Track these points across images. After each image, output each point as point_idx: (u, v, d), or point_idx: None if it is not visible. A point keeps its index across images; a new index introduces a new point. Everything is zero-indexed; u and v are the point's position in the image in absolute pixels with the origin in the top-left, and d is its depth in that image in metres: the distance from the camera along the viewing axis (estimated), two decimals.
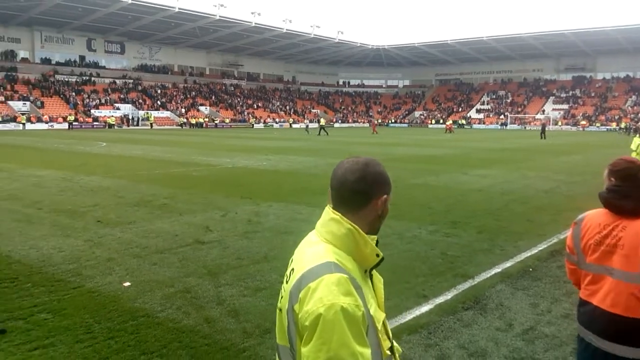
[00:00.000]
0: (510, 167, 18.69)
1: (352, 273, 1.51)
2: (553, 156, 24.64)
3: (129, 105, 71.06)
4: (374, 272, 1.66)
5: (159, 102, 75.50)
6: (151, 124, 66.14)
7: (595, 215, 2.66)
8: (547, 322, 4.85)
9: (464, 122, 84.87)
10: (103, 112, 66.53)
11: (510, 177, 15.94)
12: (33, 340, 4.34)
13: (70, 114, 62.16)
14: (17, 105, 61.49)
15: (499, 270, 6.45)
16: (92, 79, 73.78)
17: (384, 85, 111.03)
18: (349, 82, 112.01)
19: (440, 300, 5.38)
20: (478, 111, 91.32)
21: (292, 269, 1.59)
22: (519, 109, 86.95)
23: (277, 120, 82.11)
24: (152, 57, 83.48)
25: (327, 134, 48.45)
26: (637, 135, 13.99)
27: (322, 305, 1.41)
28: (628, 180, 2.54)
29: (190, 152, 24.90)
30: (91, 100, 68.82)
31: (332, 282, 1.44)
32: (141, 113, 69.65)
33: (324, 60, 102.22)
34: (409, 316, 4.93)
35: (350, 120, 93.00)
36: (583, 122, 75.28)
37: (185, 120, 71.28)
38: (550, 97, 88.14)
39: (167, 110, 74.65)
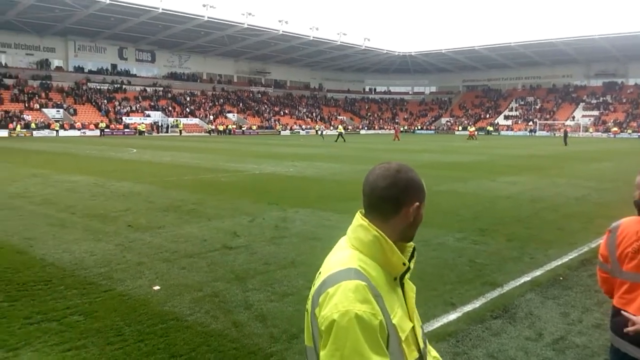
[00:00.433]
0: (540, 174, 18.38)
1: (376, 281, 1.50)
2: (583, 163, 24.16)
3: (159, 113, 72.28)
4: (406, 280, 1.64)
5: (187, 110, 76.63)
6: (180, 130, 67.12)
7: (632, 223, 2.62)
8: (578, 332, 4.76)
9: (491, 128, 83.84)
10: (134, 119, 67.80)
11: (540, 184, 15.68)
12: (66, 342, 4.44)
13: (101, 121, 63.54)
14: (51, 113, 63.15)
15: (528, 278, 6.35)
16: (124, 86, 75.36)
17: (410, 92, 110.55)
18: (375, 89, 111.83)
19: (468, 308, 5.33)
20: (506, 118, 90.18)
21: (319, 273, 1.60)
22: (548, 116, 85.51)
23: (303, 127, 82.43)
24: (182, 65, 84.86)
25: (345, 140, 48.43)
26: None
27: (336, 311, 1.42)
28: None
29: (218, 159, 25.18)
30: (122, 107, 70.24)
31: (350, 289, 1.44)
32: (170, 120, 70.77)
33: (350, 67, 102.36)
34: (436, 324, 4.89)
35: (376, 127, 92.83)
36: (614, 129, 73.63)
37: (213, 127, 72.15)
38: (580, 104, 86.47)
39: (196, 117, 75.68)
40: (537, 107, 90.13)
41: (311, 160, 25.01)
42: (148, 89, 77.76)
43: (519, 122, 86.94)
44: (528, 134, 78.50)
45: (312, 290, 1.59)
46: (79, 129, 61.06)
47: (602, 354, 4.24)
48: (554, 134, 75.11)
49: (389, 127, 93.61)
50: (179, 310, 5.17)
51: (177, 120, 70.34)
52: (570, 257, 7.38)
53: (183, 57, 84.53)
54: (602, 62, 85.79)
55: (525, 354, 4.32)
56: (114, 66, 77.44)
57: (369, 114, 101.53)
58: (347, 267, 1.51)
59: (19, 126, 56.74)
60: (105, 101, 70.18)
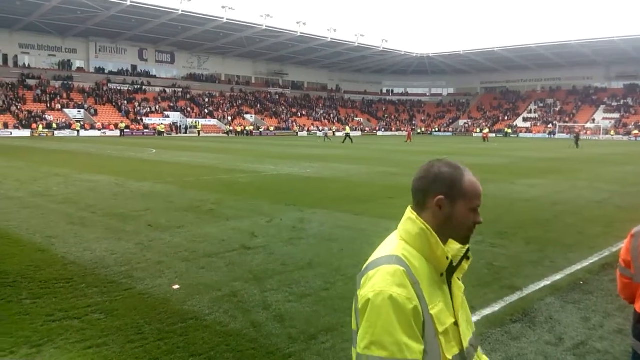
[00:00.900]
0: (560, 177, 18.16)
1: (418, 271, 1.56)
2: (604, 166, 23.81)
3: (178, 114, 72.96)
4: (455, 279, 1.68)
5: (206, 111, 77.22)
6: (199, 131, 67.67)
7: None
8: (599, 337, 4.70)
9: (509, 131, 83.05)
10: (153, 120, 68.54)
11: (560, 187, 15.50)
12: (87, 339, 4.49)
13: (122, 122, 64.33)
14: (72, 113, 64.13)
15: (548, 282, 6.28)
16: (143, 87, 76.26)
17: (428, 94, 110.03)
18: (392, 91, 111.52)
19: (487, 311, 5.29)
20: (525, 120, 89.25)
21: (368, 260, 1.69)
22: (568, 118, 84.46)
23: (320, 128, 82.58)
24: (201, 67, 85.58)
25: (352, 141, 48.25)
26: None
27: (372, 291, 1.50)
28: None
29: (236, 159, 25.33)
30: (142, 108, 71.05)
31: (388, 272, 1.52)
32: (189, 121, 71.39)
33: (367, 68, 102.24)
34: None
35: (393, 129, 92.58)
36: (635, 132, 72.44)
37: (231, 128, 72.58)
38: (601, 106, 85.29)
39: (214, 118, 76.23)
40: (557, 109, 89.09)
41: (328, 161, 25.02)
42: (167, 90, 78.55)
43: (538, 124, 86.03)
44: (547, 136, 77.62)
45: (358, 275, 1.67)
46: (100, 129, 61.90)
47: (623, 359, 4.18)
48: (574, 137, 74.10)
49: (406, 128, 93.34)
50: (198, 310, 5.21)
51: (195, 121, 70.94)
52: (591, 261, 7.29)
53: (202, 59, 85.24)
54: (623, 64, 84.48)
55: (545, 358, 4.28)
56: (134, 67, 78.42)
57: (386, 115, 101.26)
58: (390, 254, 1.59)
59: (41, 126, 57.68)
60: (126, 102, 71.07)
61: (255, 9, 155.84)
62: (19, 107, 60.84)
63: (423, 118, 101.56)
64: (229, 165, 22.15)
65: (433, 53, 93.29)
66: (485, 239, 8.48)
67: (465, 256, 1.68)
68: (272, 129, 77.04)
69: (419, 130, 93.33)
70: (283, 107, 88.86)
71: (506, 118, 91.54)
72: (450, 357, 1.57)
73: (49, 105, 63.87)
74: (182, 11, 62.37)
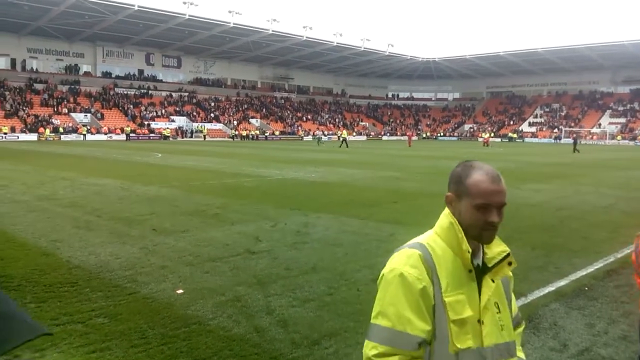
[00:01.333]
0: (565, 182, 18.09)
1: (440, 259, 1.67)
2: (609, 171, 23.70)
3: (184, 118, 73.21)
4: (487, 279, 1.72)
5: (212, 115, 77.44)
6: (204, 135, 67.85)
7: None
8: (603, 344, 4.67)
9: (515, 135, 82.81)
10: (159, 124, 68.79)
11: (565, 192, 15.44)
12: (91, 344, 4.49)
13: (127, 126, 64.58)
14: (79, 117, 64.45)
15: (553, 288, 6.25)
16: (150, 92, 76.57)
17: (433, 98, 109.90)
18: (398, 95, 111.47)
19: None
20: (531, 124, 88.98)
21: None
22: (574, 123, 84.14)
23: (325, 132, 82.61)
24: (207, 71, 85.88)
25: (347, 146, 48.17)
26: None
27: (387, 268, 1.70)
28: None
29: (241, 164, 25.38)
30: (148, 112, 71.32)
31: (405, 254, 1.69)
32: (195, 125, 71.59)
33: (373, 73, 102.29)
34: None
35: (398, 133, 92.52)
36: None
37: (236, 132, 72.76)
38: (607, 111, 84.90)
39: (220, 122, 76.43)
40: (563, 114, 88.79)
41: (333, 166, 25.04)
42: (174, 94, 78.84)
43: (544, 129, 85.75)
44: (553, 141, 77.31)
45: None
46: (106, 134, 62.15)
47: None
48: (580, 142, 73.77)
49: (411, 133, 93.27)
50: (202, 314, 5.22)
51: (201, 126, 71.15)
52: (596, 267, 7.25)
53: (208, 63, 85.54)
54: (630, 69, 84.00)
55: None
56: (140, 71, 78.81)
57: (391, 120, 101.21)
58: (416, 242, 1.74)
59: (47, 130, 57.98)
60: (132, 106, 71.35)
61: (262, 14, 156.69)
62: (26, 111, 61.20)
63: (428, 122, 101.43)
64: (235, 169, 22.20)
65: (439, 57, 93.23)
66: None
67: (506, 261, 1.73)
68: (277, 133, 77.14)
69: (424, 135, 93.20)
70: (288, 112, 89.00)
71: (512, 123, 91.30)
72: (462, 347, 1.62)
73: (56, 109, 64.23)
74: (189, 16, 62.65)
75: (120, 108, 70.49)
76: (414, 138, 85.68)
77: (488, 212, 1.65)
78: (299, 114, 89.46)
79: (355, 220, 10.45)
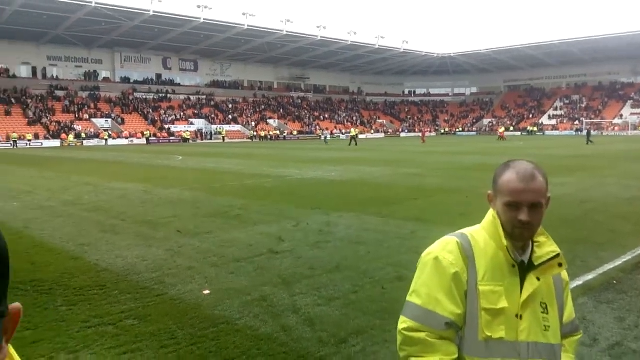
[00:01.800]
0: (588, 175, 17.85)
1: (480, 250, 1.74)
2: (633, 163, 23.29)
3: (203, 120, 73.83)
4: (533, 278, 1.74)
5: (230, 117, 77.96)
6: (223, 137, 68.34)
7: None
8: (634, 338, 4.62)
9: (535, 129, 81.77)
10: (179, 127, 69.48)
11: (589, 185, 15.23)
12: (122, 345, 4.57)
13: (147, 130, 65.34)
14: (100, 122, 65.41)
15: (580, 282, 6.18)
16: (168, 95, 77.39)
17: (450, 94, 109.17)
18: (414, 92, 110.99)
19: None
20: (551, 117, 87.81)
21: None
22: (594, 115, 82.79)
23: (343, 131, 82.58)
24: (224, 74, 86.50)
25: (357, 144, 47.85)
26: None
27: (425, 252, 1.81)
28: None
29: (260, 164, 25.50)
30: (167, 116, 72.06)
31: (445, 241, 1.79)
32: (214, 127, 72.14)
33: (389, 70, 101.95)
34: None
35: (416, 130, 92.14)
36: None
37: (255, 133, 73.11)
38: (628, 101, 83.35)
39: (238, 124, 76.89)
40: (583, 105, 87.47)
41: (351, 164, 25.02)
42: (192, 97, 79.57)
43: (564, 121, 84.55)
44: (574, 133, 76.18)
45: None
46: (127, 138, 62.94)
47: None
48: (602, 133, 72.67)
49: (429, 129, 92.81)
50: (229, 314, 5.28)
51: (220, 128, 71.66)
52: (624, 259, 7.15)
53: (224, 66, 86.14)
54: None
55: (580, 359, 4.22)
56: (158, 76, 79.67)
57: (408, 116, 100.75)
58: (459, 232, 1.83)
59: (70, 136, 58.91)
60: (151, 110, 72.16)
61: (276, 15, 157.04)
62: (48, 118, 62.28)
63: (446, 118, 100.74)
64: (254, 170, 22.31)
65: (455, 53, 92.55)
66: None
67: (555, 262, 1.75)
68: (295, 133, 77.30)
69: (442, 131, 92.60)
70: (306, 111, 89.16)
71: (531, 116, 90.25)
72: (493, 336, 1.67)
73: (77, 115, 65.25)
74: (204, 19, 63.17)
75: (140, 112, 71.34)
76: (432, 134, 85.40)
77: (518, 210, 1.68)
78: (316, 114, 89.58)
79: (377, 218, 10.45)
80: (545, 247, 1.76)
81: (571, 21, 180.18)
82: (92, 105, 68.56)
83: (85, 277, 6.68)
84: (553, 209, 10.14)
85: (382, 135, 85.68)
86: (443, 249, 1.75)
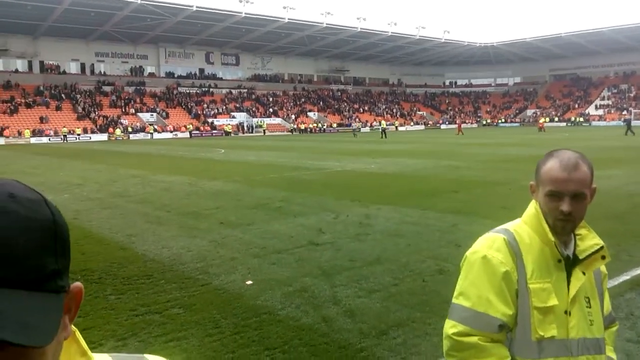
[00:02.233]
0: (637, 167, 17.22)
1: (527, 246, 1.67)
2: None
3: (244, 114, 74.68)
4: (579, 272, 1.70)
5: (270, 110, 78.56)
6: (264, 130, 68.97)
7: None
8: None
9: (581, 119, 79.09)
10: (221, 121, 70.48)
11: (638, 178, 14.69)
12: (168, 333, 4.73)
13: (190, 124, 66.61)
14: (146, 117, 67.03)
15: (627, 277, 6.02)
16: (211, 89, 78.59)
17: (492, 84, 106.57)
18: (455, 82, 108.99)
19: None
20: (597, 107, 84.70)
21: None
22: None
23: (371, 123, 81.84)
24: (264, 67, 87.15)
25: (386, 137, 47.21)
26: None
27: (471, 250, 1.73)
28: None
29: (300, 157, 25.66)
30: (210, 109, 73.24)
31: (490, 238, 1.72)
32: (255, 120, 72.87)
33: (429, 61, 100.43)
34: None
35: (457, 122, 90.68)
36: None
37: (295, 126, 73.49)
38: None
39: (278, 117, 77.42)
40: (632, 95, 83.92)
41: (391, 156, 24.87)
42: (233, 91, 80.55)
43: (612, 111, 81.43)
44: (622, 124, 73.25)
45: None
46: (171, 132, 64.27)
47: None
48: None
49: (471, 121, 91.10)
50: (271, 305, 5.38)
51: (261, 121, 72.35)
52: None
53: (265, 59, 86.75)
54: None
55: (626, 356, 4.12)
56: (201, 70, 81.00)
57: (449, 108, 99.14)
58: (502, 228, 1.76)
59: (117, 130, 60.64)
60: (194, 104, 73.48)
61: (316, 7, 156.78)
62: (96, 113, 64.26)
63: (488, 109, 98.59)
64: (294, 162, 22.47)
65: (497, 42, 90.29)
66: None
67: (599, 254, 1.71)
68: (334, 125, 77.26)
69: (484, 122, 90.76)
70: (345, 104, 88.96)
71: (577, 106, 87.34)
72: (545, 335, 1.61)
73: (123, 109, 67.07)
74: (245, 14, 63.74)
75: (184, 106, 72.74)
76: (474, 125, 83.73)
77: (560, 200, 1.61)
78: (356, 106, 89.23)
79: (416, 211, 10.40)
80: (588, 239, 1.72)
81: (619, 7, 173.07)
82: (138, 100, 70.32)
83: (133, 266, 6.92)
84: (600, 202, 9.86)
85: (422, 127, 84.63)
86: (490, 247, 1.67)
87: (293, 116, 78.20)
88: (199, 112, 71.85)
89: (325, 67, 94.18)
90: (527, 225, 1.71)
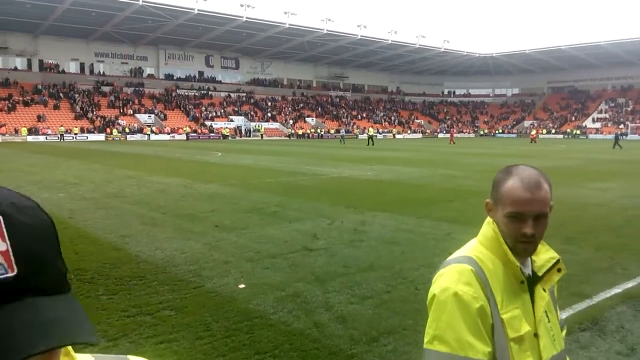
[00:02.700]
0: (632, 180, 17.25)
1: (492, 273, 1.52)
2: None
3: (242, 117, 74.75)
4: (538, 288, 1.60)
5: (269, 114, 78.68)
6: (261, 134, 69.01)
7: None
8: None
9: (577, 132, 79.41)
10: (219, 124, 70.52)
11: (634, 191, 14.73)
12: (159, 335, 4.71)
13: (187, 126, 66.61)
14: (143, 118, 67.03)
15: (619, 290, 6.04)
16: (210, 92, 78.67)
17: (491, 95, 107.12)
18: (454, 92, 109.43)
19: None
20: (595, 120, 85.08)
21: None
22: None
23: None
24: (264, 72, 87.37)
25: (374, 144, 47.31)
26: None
27: (438, 287, 1.52)
28: None
29: (297, 162, 25.66)
30: (208, 112, 73.28)
31: (456, 270, 1.52)
32: (253, 125, 72.95)
33: (428, 70, 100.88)
34: None
35: (455, 131, 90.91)
36: None
37: (292, 131, 73.57)
38: None
39: (276, 122, 77.51)
40: (629, 109, 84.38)
41: (388, 164, 24.91)
42: (232, 94, 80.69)
43: (609, 124, 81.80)
44: (620, 137, 73.47)
45: None
46: (169, 133, 64.26)
47: None
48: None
49: (468, 130, 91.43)
50: (263, 309, 5.38)
51: (258, 125, 72.42)
52: None
53: (265, 64, 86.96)
54: None
55: None
56: (201, 73, 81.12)
57: (447, 117, 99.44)
58: (463, 255, 1.59)
59: (115, 130, 60.58)
60: (193, 107, 73.51)
61: (316, 14, 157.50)
62: (94, 113, 64.20)
63: (486, 119, 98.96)
64: (291, 167, 22.47)
65: (496, 53, 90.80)
66: (551, 244, 8.19)
67: (556, 268, 1.61)
68: (332, 131, 77.37)
69: (481, 132, 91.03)
70: (343, 110, 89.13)
71: (574, 119, 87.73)
72: None
73: (121, 110, 67.06)
74: (246, 18, 63.94)
75: (182, 109, 72.77)
76: (471, 135, 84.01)
77: (522, 222, 1.50)
78: (354, 113, 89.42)
79: (412, 219, 10.40)
80: (542, 253, 1.62)
81: (617, 21, 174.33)
82: (136, 101, 70.34)
83: (126, 267, 6.90)
84: (595, 215, 9.93)
85: (419, 135, 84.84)
86: (458, 281, 1.49)
87: (291, 121, 78.29)
88: (197, 114, 71.87)
89: (325, 73, 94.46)
90: (486, 248, 1.58)
